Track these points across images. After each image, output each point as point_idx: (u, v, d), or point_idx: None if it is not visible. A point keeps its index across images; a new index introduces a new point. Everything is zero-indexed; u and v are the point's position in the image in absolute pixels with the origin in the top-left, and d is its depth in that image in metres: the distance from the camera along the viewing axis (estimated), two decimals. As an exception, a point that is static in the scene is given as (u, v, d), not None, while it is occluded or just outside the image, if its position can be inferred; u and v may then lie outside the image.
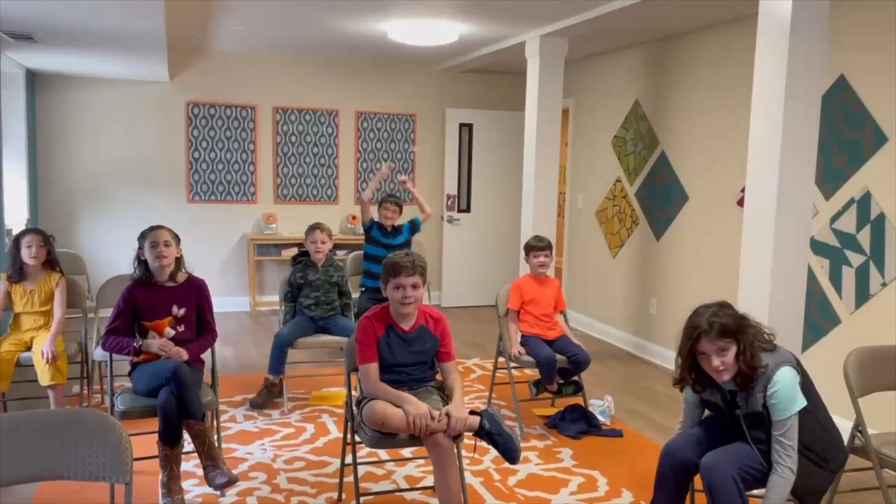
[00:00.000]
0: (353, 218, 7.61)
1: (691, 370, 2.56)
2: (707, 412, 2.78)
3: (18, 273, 4.01)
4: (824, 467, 2.52)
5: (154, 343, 3.25)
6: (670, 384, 5.19)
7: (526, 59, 5.96)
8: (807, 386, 2.51)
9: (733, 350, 2.45)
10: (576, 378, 4.37)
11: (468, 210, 8.02)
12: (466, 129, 7.92)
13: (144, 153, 7.13)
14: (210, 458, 3.11)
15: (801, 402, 2.45)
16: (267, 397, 4.56)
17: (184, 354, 3.29)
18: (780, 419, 2.44)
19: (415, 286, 2.94)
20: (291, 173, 7.57)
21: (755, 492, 2.55)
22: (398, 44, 6.28)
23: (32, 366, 3.89)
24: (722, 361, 2.44)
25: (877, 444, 2.85)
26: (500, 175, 8.02)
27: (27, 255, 3.99)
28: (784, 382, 2.44)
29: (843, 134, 4.18)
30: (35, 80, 6.77)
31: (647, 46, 6.11)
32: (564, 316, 4.53)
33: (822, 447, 2.51)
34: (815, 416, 2.51)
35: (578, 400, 4.41)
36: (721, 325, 2.43)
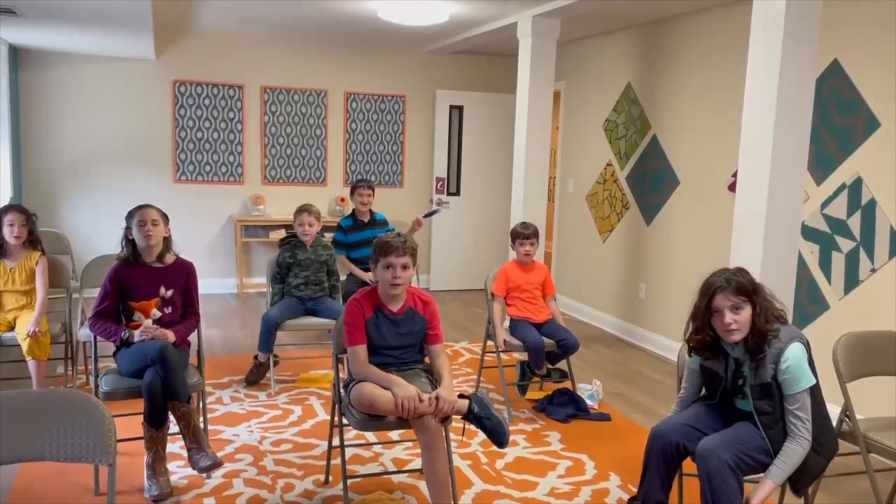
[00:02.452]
0: (342, 200, 7.56)
1: (706, 331, 2.55)
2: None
3: None
4: (819, 452, 2.52)
5: (136, 334, 3.21)
6: (658, 368, 5.27)
7: (518, 41, 5.90)
8: (811, 368, 2.52)
9: (747, 311, 2.46)
10: (561, 367, 4.37)
11: (458, 193, 7.98)
12: (457, 111, 7.86)
13: (130, 132, 7.03)
14: (195, 440, 3.08)
15: (812, 379, 2.47)
16: (259, 374, 4.57)
17: (170, 336, 3.25)
18: (793, 393, 2.45)
19: (405, 267, 2.91)
20: (279, 154, 7.49)
21: (752, 476, 2.55)
22: (389, 23, 6.20)
23: (15, 346, 3.84)
24: (735, 319, 2.45)
25: (864, 429, 2.86)
26: (491, 158, 7.97)
27: (8, 233, 3.92)
28: (795, 357, 2.45)
29: (835, 119, 4.16)
30: (19, 56, 6.64)
31: (640, 29, 6.07)
32: (555, 301, 4.51)
33: (818, 431, 2.51)
34: (815, 399, 2.51)
35: (567, 384, 4.41)
36: (738, 282, 2.46)
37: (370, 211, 5.40)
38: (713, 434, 2.54)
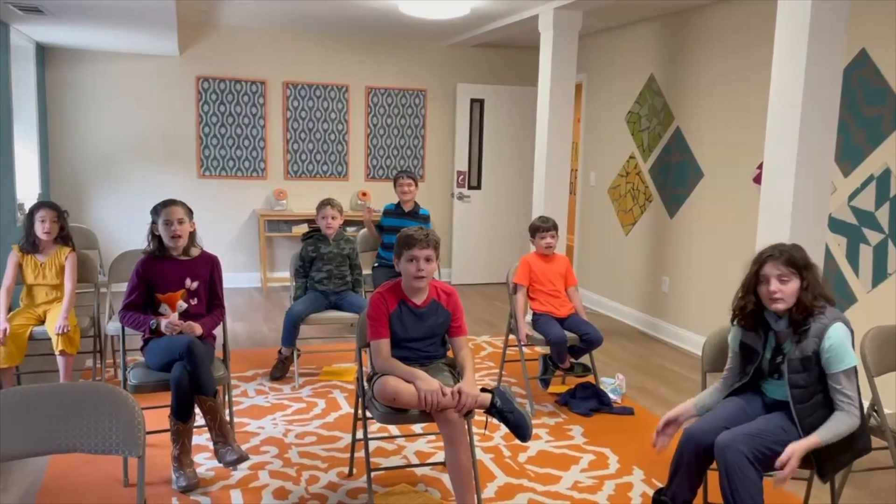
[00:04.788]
0: (363, 194, 7.59)
1: (749, 297, 2.59)
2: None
3: (31, 246, 4.03)
4: (849, 445, 2.49)
5: (162, 322, 3.25)
6: (682, 362, 5.24)
7: (539, 33, 5.87)
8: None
9: (794, 283, 2.49)
10: (584, 362, 4.36)
11: (479, 187, 7.97)
12: (478, 104, 7.85)
13: (155, 128, 7.11)
14: (221, 434, 3.12)
15: (854, 359, 2.48)
16: (283, 369, 4.64)
17: (197, 329, 3.28)
18: (837, 371, 2.45)
19: (428, 259, 2.92)
20: (302, 149, 7.53)
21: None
22: (409, 17, 6.20)
23: (46, 339, 3.91)
24: (780, 289, 2.48)
25: (893, 424, 2.82)
26: (512, 152, 7.95)
27: (40, 229, 3.99)
28: (839, 336, 2.46)
29: (863, 110, 4.10)
30: (45, 54, 6.74)
31: (663, 20, 6.01)
32: (578, 293, 4.50)
33: None
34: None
35: (590, 378, 4.40)
36: (790, 255, 2.51)
37: (415, 203, 5.48)
38: (733, 427, 2.52)
